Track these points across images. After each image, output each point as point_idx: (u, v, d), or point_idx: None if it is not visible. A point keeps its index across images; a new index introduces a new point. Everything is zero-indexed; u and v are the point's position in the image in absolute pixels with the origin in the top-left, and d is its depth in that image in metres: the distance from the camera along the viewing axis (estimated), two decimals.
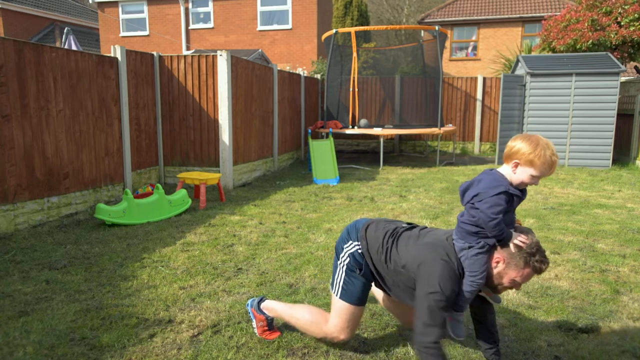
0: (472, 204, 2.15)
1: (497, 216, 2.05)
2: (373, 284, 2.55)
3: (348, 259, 2.48)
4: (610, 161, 9.57)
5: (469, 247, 2.15)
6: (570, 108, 9.66)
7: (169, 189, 6.88)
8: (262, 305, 2.77)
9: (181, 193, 5.79)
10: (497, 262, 2.14)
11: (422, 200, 6.58)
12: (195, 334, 2.79)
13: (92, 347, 2.62)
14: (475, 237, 2.14)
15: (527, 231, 2.16)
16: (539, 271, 2.10)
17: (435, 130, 10.05)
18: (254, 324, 2.77)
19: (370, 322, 2.96)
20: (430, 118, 11.49)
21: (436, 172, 9.31)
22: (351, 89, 10.32)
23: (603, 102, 9.48)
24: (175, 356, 2.55)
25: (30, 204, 5.03)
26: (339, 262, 2.54)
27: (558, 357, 2.58)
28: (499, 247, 2.14)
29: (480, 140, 12.55)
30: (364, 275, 2.46)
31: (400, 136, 12.75)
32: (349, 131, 10.03)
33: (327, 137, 9.98)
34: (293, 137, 10.60)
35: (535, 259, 2.07)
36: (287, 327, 2.84)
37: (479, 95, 12.34)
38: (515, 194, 2.12)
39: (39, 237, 4.69)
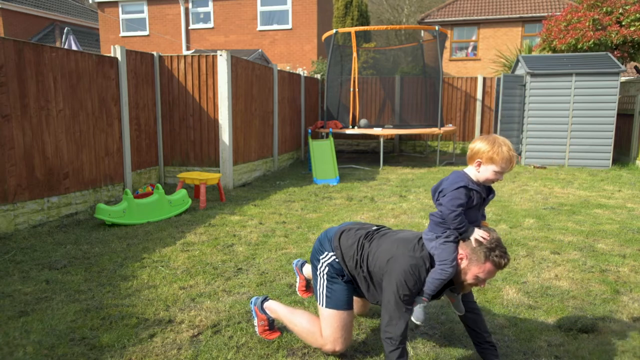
0: (438, 200, 2.31)
1: (457, 209, 2.21)
2: None
3: (327, 268, 2.55)
4: (610, 161, 9.57)
5: (437, 237, 2.28)
6: (570, 108, 9.66)
7: (169, 189, 6.87)
8: (265, 305, 2.77)
9: (181, 193, 5.79)
10: (461, 259, 2.24)
11: (422, 200, 6.58)
12: (195, 334, 2.79)
13: (92, 347, 2.62)
14: (442, 227, 2.28)
15: (489, 230, 2.28)
16: (498, 266, 2.18)
17: (435, 130, 10.05)
18: (255, 322, 2.77)
19: (370, 322, 2.96)
20: (430, 118, 11.49)
21: (436, 172, 9.31)
22: (351, 89, 10.32)
23: (603, 102, 9.48)
24: (175, 356, 2.55)
25: (30, 204, 5.03)
26: (317, 273, 2.59)
27: (558, 357, 2.58)
28: (461, 243, 2.26)
29: None
30: (346, 281, 2.53)
31: (400, 136, 12.75)
32: (349, 131, 10.03)
33: (327, 137, 9.98)
34: (293, 137, 10.60)
35: (495, 254, 2.17)
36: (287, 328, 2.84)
37: (479, 95, 12.33)
38: (474, 189, 2.26)
39: (39, 237, 4.69)
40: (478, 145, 2.25)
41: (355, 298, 2.77)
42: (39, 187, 5.15)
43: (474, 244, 2.21)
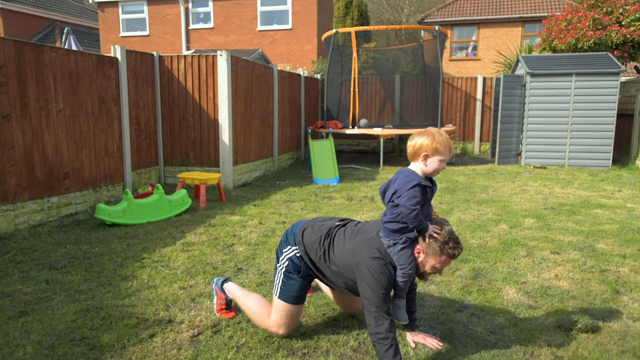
0: (392, 201, 2.38)
1: (416, 207, 2.30)
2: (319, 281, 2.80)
3: (287, 262, 2.69)
4: (610, 161, 9.57)
5: (394, 244, 2.39)
6: (570, 108, 9.66)
7: (169, 189, 6.87)
8: (225, 285, 3.01)
9: (181, 193, 5.79)
10: (418, 253, 2.41)
11: None
12: (195, 334, 2.79)
13: (92, 347, 2.62)
14: (398, 234, 2.38)
15: (442, 222, 2.42)
16: (452, 256, 2.37)
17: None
18: (215, 300, 3.03)
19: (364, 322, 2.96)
20: (430, 118, 11.49)
21: None
22: (351, 89, 10.32)
23: (603, 102, 9.48)
24: (175, 356, 2.55)
25: (30, 204, 5.03)
26: (278, 266, 2.74)
27: (558, 357, 2.59)
28: (419, 239, 2.40)
29: (480, 140, 12.55)
30: (302, 277, 2.65)
31: (400, 136, 12.75)
32: (349, 131, 10.03)
33: (327, 137, 9.98)
34: (293, 137, 10.60)
35: (448, 246, 2.34)
36: None
37: (479, 95, 12.33)
38: (427, 185, 2.37)
39: (39, 237, 4.69)
40: (419, 140, 2.37)
41: (342, 296, 2.95)
42: (39, 187, 5.15)
43: (428, 240, 2.37)
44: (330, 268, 2.57)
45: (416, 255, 2.40)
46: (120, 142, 6.42)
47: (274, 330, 2.69)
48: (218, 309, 3.00)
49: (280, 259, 2.73)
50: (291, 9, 17.66)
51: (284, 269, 2.68)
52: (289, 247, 2.70)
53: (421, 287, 3.51)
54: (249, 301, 2.83)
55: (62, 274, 3.71)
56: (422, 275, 2.48)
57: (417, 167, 2.40)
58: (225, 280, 3.05)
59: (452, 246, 2.34)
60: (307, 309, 3.12)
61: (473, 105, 12.47)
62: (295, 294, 2.66)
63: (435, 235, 2.36)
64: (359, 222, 2.71)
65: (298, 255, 2.66)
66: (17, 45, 4.84)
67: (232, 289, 2.96)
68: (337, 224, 2.70)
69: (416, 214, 2.29)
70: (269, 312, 2.72)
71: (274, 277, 2.77)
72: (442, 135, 2.37)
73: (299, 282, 2.66)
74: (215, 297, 3.02)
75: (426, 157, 2.36)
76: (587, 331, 2.83)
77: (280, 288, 2.68)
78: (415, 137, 2.40)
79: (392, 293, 2.54)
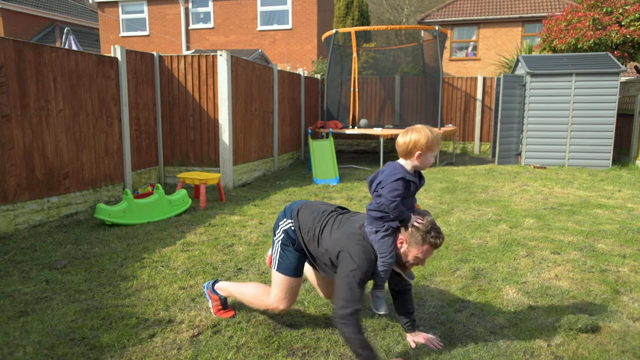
0: (377, 191, 2.47)
1: (396, 199, 2.38)
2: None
3: (283, 235, 2.75)
4: (610, 161, 9.57)
5: (376, 232, 2.45)
6: (570, 108, 9.66)
7: (169, 189, 6.87)
8: (217, 286, 3.03)
9: (181, 193, 5.79)
10: (401, 243, 2.46)
11: (421, 200, 6.58)
12: (195, 334, 2.79)
13: (92, 347, 2.62)
14: (380, 222, 2.45)
15: (424, 213, 2.50)
16: (434, 246, 2.42)
17: (435, 130, 10.04)
18: (210, 304, 3.04)
19: (370, 321, 2.97)
20: (430, 118, 11.49)
21: (436, 172, 9.31)
22: (351, 89, 10.32)
23: (603, 102, 9.48)
24: (175, 356, 2.55)
25: (30, 204, 5.03)
26: (275, 239, 2.81)
27: (558, 357, 2.59)
28: (402, 230, 2.46)
29: (480, 140, 12.55)
30: (297, 249, 2.73)
31: None
32: (349, 131, 10.03)
33: (327, 137, 9.98)
34: (293, 137, 10.60)
35: (430, 236, 2.40)
36: (286, 327, 2.85)
37: (479, 95, 12.33)
38: (411, 180, 2.45)
39: (39, 237, 4.69)
40: (413, 138, 2.43)
41: (326, 280, 2.98)
42: (39, 187, 5.14)
43: (411, 230, 2.43)
44: (317, 249, 2.63)
45: (399, 245, 2.46)
46: (120, 142, 6.42)
47: (274, 307, 2.73)
48: (215, 311, 3.02)
49: (277, 232, 2.79)
50: (291, 9, 17.66)
51: (280, 241, 2.74)
52: (285, 219, 2.76)
53: (421, 287, 3.51)
54: (244, 288, 2.90)
55: (62, 274, 3.71)
56: (405, 267, 2.53)
57: (407, 162, 2.48)
58: (215, 282, 3.07)
59: (434, 235, 2.39)
60: (307, 309, 3.12)
61: (473, 105, 12.47)
62: (293, 266, 2.71)
63: (417, 225, 2.42)
64: (353, 213, 2.76)
65: (293, 229, 2.72)
66: (17, 45, 4.84)
67: (224, 286, 3.00)
68: (332, 209, 2.76)
69: (396, 205, 2.37)
70: (267, 292, 2.78)
71: (272, 251, 2.81)
72: (431, 132, 2.47)
73: (296, 254, 2.72)
74: (210, 300, 3.04)
75: (420, 155, 2.44)
76: (587, 331, 2.83)
77: (278, 261, 2.73)
78: (406, 135, 2.47)
79: (372, 284, 2.59)
